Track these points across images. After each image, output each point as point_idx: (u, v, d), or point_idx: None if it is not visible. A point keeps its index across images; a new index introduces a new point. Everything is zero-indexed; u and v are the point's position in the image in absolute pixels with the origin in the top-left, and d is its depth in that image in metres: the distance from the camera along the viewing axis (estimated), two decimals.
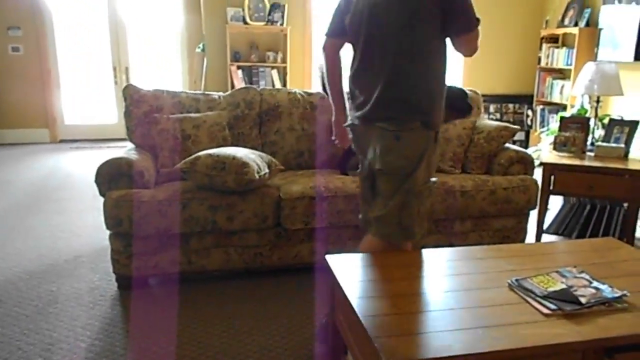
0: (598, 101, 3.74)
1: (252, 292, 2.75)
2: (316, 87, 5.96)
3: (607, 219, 3.29)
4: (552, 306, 1.57)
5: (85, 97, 7.05)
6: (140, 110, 3.16)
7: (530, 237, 3.40)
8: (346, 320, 1.75)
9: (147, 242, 2.67)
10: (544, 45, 6.02)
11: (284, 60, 5.74)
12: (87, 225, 3.75)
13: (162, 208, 2.62)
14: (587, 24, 5.47)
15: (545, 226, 3.46)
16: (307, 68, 5.95)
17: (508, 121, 6.34)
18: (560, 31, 5.80)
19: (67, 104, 6.96)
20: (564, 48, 5.70)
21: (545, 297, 1.62)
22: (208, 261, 2.78)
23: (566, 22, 5.73)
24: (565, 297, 1.62)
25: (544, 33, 6.05)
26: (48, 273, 2.95)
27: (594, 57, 5.41)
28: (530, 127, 6.30)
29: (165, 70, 7.14)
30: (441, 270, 1.85)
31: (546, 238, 3.58)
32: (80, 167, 5.52)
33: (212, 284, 2.82)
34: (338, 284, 1.77)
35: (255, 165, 2.70)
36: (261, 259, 2.84)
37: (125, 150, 3.02)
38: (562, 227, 3.40)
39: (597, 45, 5.38)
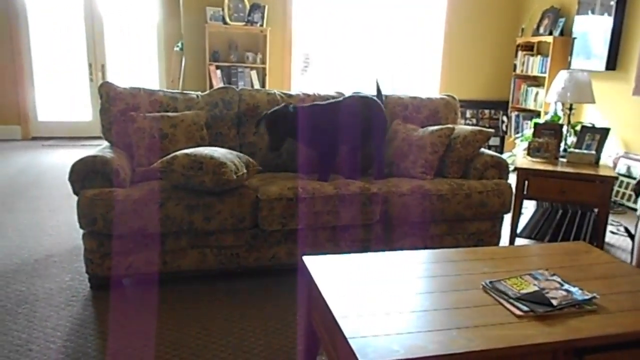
0: (571, 108, 3.83)
1: (228, 293, 2.73)
2: (296, 89, 5.97)
3: (579, 223, 3.36)
4: (525, 308, 1.60)
5: (59, 94, 6.91)
6: (117, 108, 3.11)
7: (504, 241, 3.46)
8: (322, 320, 1.75)
9: (121, 241, 2.63)
10: (520, 53, 6.14)
11: (263, 61, 5.73)
12: (60, 224, 3.68)
13: (138, 207, 2.58)
14: (562, 33, 5.60)
15: (518, 230, 3.53)
16: (287, 69, 5.95)
17: (484, 126, 6.44)
18: (536, 39, 5.93)
19: (41, 100, 6.81)
20: (539, 56, 5.82)
21: (518, 299, 1.65)
22: (184, 262, 2.75)
23: (541, 30, 5.86)
24: (538, 299, 1.65)
25: (519, 41, 6.17)
26: (17, 273, 2.88)
27: (567, 66, 5.54)
28: (506, 132, 6.41)
29: (142, 68, 7.05)
30: (417, 272, 1.87)
31: (520, 242, 3.65)
32: (53, 165, 5.41)
33: (187, 285, 2.79)
34: (315, 284, 1.77)
35: (232, 165, 2.68)
36: (238, 260, 2.82)
37: (100, 148, 2.97)
38: (535, 231, 3.46)
39: (571, 53, 5.51)
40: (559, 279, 1.80)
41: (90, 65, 6.88)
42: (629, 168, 4.81)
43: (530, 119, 5.91)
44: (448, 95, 3.80)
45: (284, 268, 2.94)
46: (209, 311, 2.53)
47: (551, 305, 1.62)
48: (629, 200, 4.71)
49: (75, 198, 2.62)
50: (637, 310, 1.64)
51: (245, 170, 2.79)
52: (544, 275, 1.83)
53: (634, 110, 4.85)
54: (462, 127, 3.42)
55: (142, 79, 6.95)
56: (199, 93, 3.40)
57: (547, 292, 1.70)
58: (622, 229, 4.01)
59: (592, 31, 5.21)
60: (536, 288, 1.73)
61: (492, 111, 6.53)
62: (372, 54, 6.37)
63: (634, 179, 4.70)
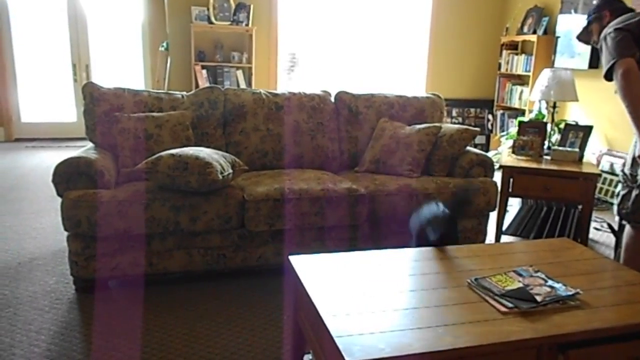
0: (554, 107, 3.87)
1: (215, 294, 2.72)
2: (282, 88, 5.97)
3: (563, 220, 3.40)
4: (509, 304, 1.62)
5: (43, 94, 6.83)
6: (101, 108, 3.09)
7: (490, 238, 3.49)
8: (309, 319, 1.75)
9: (107, 243, 2.61)
10: (504, 52, 6.19)
11: (249, 61, 5.71)
12: (44, 226, 3.63)
13: (123, 209, 2.56)
14: (545, 32, 5.65)
15: (504, 227, 3.55)
16: (273, 69, 5.93)
17: (470, 125, 6.48)
18: (520, 38, 5.98)
19: (24, 101, 6.73)
20: (523, 55, 5.87)
21: (502, 296, 1.67)
22: (170, 263, 2.74)
23: (525, 29, 5.91)
24: (522, 295, 1.67)
25: (504, 40, 6.22)
26: (1, 276, 2.84)
27: (551, 64, 5.60)
28: (491, 131, 6.46)
29: (127, 68, 6.99)
30: (403, 270, 1.88)
31: (505, 239, 3.68)
32: (37, 166, 5.34)
33: (174, 286, 2.78)
34: (301, 284, 1.77)
35: (218, 165, 2.67)
36: (224, 260, 2.81)
37: (84, 149, 2.94)
38: (520, 228, 3.49)
39: (555, 52, 5.57)
40: (543, 275, 1.82)
41: (74, 66, 6.81)
42: (612, 165, 4.88)
43: (515, 118, 5.96)
44: (434, 94, 3.83)
45: (271, 268, 2.93)
46: (196, 312, 2.52)
47: (535, 301, 1.63)
48: (612, 197, 4.77)
49: (60, 200, 2.59)
50: (619, 305, 1.66)
51: (231, 170, 2.78)
52: (528, 272, 1.85)
53: (616, 109, 4.91)
54: (449, 126, 3.44)
55: (127, 79, 6.89)
56: (184, 93, 3.38)
57: (532, 289, 1.71)
58: (605, 225, 4.06)
59: (576, 30, 5.26)
60: (520, 284, 1.74)
61: (478, 110, 6.58)
62: (358, 53, 6.38)
63: (617, 175, 4.76)
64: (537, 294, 1.68)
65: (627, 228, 2.54)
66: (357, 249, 3.01)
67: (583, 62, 5.14)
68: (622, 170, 2.52)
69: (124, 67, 6.99)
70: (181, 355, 2.17)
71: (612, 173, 4.82)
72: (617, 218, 2.63)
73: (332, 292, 1.68)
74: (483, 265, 1.95)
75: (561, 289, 1.72)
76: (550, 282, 1.77)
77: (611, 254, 3.49)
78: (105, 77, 6.87)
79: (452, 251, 2.08)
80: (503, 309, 1.60)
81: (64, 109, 6.88)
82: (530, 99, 4.14)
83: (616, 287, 1.80)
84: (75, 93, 6.80)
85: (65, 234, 2.62)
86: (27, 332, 2.29)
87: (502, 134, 5.50)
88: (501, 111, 6.24)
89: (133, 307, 2.55)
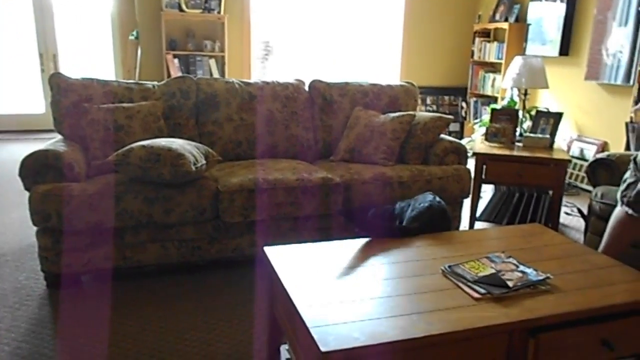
0: (526, 94, 3.92)
1: (190, 286, 2.70)
2: (256, 77, 5.92)
3: (535, 206, 3.46)
4: (482, 290, 1.64)
5: (9, 85, 6.62)
6: (69, 100, 3.01)
7: (464, 224, 3.54)
8: (284, 310, 1.75)
9: (78, 237, 2.56)
10: (477, 40, 6.24)
11: (222, 50, 5.63)
12: (12, 221, 3.54)
13: (94, 202, 2.51)
14: (517, 20, 5.71)
15: (477, 213, 3.60)
16: (246, 57, 5.87)
17: (444, 112, 6.54)
18: (492, 26, 6.03)
19: None
20: (495, 42, 5.93)
21: (475, 282, 1.69)
22: (144, 256, 2.70)
23: (497, 17, 5.96)
24: (494, 281, 1.69)
25: (476, 27, 6.27)
26: None
27: (522, 52, 5.67)
28: (465, 118, 6.52)
29: (96, 58, 6.82)
30: (378, 259, 1.89)
31: (479, 225, 3.73)
32: (4, 160, 5.20)
33: (148, 280, 2.74)
34: (276, 274, 1.77)
35: (191, 156, 2.64)
36: (199, 252, 2.79)
37: (52, 141, 2.86)
38: (493, 214, 3.55)
39: (526, 39, 5.63)
40: (514, 261, 1.85)
41: (41, 56, 6.61)
42: (582, 151, 4.98)
43: (488, 105, 6.03)
44: (408, 83, 3.83)
45: (246, 259, 2.92)
46: (171, 305, 2.49)
47: (507, 286, 1.66)
48: (582, 182, 4.88)
49: (28, 194, 2.53)
50: (588, 289, 1.70)
51: (204, 161, 2.75)
52: (500, 258, 1.87)
53: (586, 95, 5.01)
54: (422, 114, 3.46)
55: (96, 69, 6.73)
56: (155, 83, 3.32)
57: (503, 274, 1.74)
58: (575, 209, 4.16)
59: (546, 17, 5.34)
60: (493, 270, 1.77)
61: (452, 97, 6.62)
62: (332, 41, 6.35)
63: (587, 161, 4.87)
64: (509, 279, 1.71)
65: (618, 209, 2.53)
66: (332, 239, 3.02)
67: (554, 49, 5.21)
68: (635, 159, 2.50)
69: (93, 57, 6.82)
70: (156, 348, 2.15)
71: (582, 158, 4.92)
72: (592, 203, 2.64)
73: (307, 283, 1.68)
74: (456, 252, 1.97)
75: (532, 274, 1.75)
76: (521, 268, 1.80)
77: (581, 237, 3.57)
78: (74, 67, 6.69)
79: (425, 239, 2.10)
80: (476, 295, 1.62)
81: (32, 101, 6.69)
82: (502, 86, 4.19)
83: (585, 271, 1.84)
84: (43, 84, 6.61)
85: (35, 228, 2.56)
86: None
87: (475, 121, 5.56)
88: (474, 99, 6.30)
89: (106, 302, 2.51)
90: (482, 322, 1.46)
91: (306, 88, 3.62)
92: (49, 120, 3.63)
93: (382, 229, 2.13)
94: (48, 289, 2.62)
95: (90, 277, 2.74)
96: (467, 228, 3.54)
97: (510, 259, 1.87)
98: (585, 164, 4.83)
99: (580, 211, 3.40)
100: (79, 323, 2.31)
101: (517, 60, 3.81)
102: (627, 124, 4.27)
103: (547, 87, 3.80)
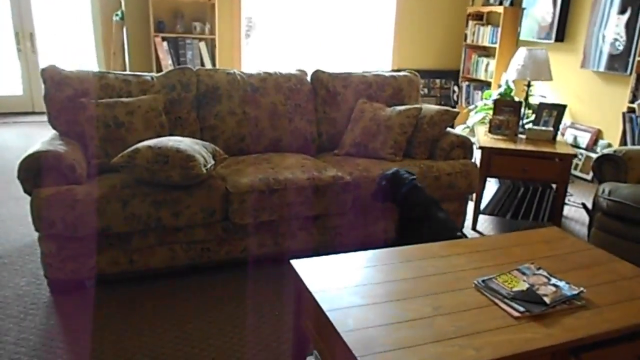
0: (529, 85, 3.90)
1: (200, 289, 2.63)
2: (247, 66, 5.75)
3: (539, 199, 3.47)
4: (521, 308, 1.62)
5: None
6: (63, 94, 2.86)
7: (469, 218, 3.53)
8: (315, 323, 1.71)
9: (83, 243, 2.46)
10: (470, 23, 6.17)
11: (212, 32, 5.44)
12: (3, 219, 3.39)
13: (100, 206, 2.40)
14: (512, 3, 5.65)
15: (481, 207, 3.60)
16: (236, 40, 5.69)
17: (435, 96, 6.50)
18: (486, 9, 5.96)
19: None
20: (489, 26, 5.87)
21: (512, 299, 1.67)
22: (151, 260, 2.61)
23: (491, 0, 5.89)
24: (531, 297, 1.68)
25: (470, 10, 6.19)
26: None
27: (517, 37, 5.63)
28: (457, 102, 6.49)
29: (77, 38, 6.53)
30: (409, 271, 1.85)
31: (483, 218, 3.74)
32: None
33: (157, 283, 2.67)
34: (307, 290, 1.72)
35: (201, 158, 2.54)
36: (208, 254, 2.72)
37: (49, 139, 2.72)
38: (497, 208, 3.55)
39: (520, 24, 5.59)
40: (545, 273, 1.84)
41: (17, 35, 6.29)
42: (575, 138, 5.02)
43: (481, 90, 6.01)
44: (411, 72, 3.77)
45: (255, 259, 2.87)
46: (184, 311, 2.43)
47: (544, 303, 1.65)
48: (575, 169, 4.93)
49: (18, 186, 2.39)
50: (621, 303, 1.70)
51: (213, 162, 2.66)
52: (530, 270, 1.86)
53: (581, 82, 5.01)
54: (428, 107, 3.40)
55: (77, 50, 6.45)
56: (153, 74, 3.18)
57: (538, 289, 1.73)
58: (571, 199, 4.20)
59: (542, 2, 5.29)
60: (526, 285, 1.75)
61: (443, 81, 6.57)
62: (323, 22, 6.19)
63: (581, 148, 4.91)
64: (544, 295, 1.69)
65: None
66: (343, 237, 2.99)
67: (549, 35, 5.18)
68: None
69: (72, 37, 6.52)
70: (175, 359, 2.09)
71: (576, 146, 4.96)
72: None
73: (342, 302, 1.63)
74: (484, 263, 1.95)
75: (565, 288, 1.74)
76: (553, 280, 1.79)
77: (582, 229, 3.61)
78: (53, 48, 6.40)
79: (448, 248, 2.07)
80: (515, 313, 1.61)
81: (9, 82, 6.39)
82: (506, 77, 4.15)
83: (614, 283, 1.84)
84: (21, 64, 6.32)
85: (31, 227, 2.45)
86: (5, 345, 2.14)
87: (470, 107, 5.53)
88: (467, 83, 6.27)
89: (115, 308, 2.43)
90: (528, 346, 1.45)
91: (308, 79, 3.52)
92: (28, 102, 3.45)
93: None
94: (52, 296, 2.52)
95: (96, 281, 2.65)
96: (471, 222, 3.54)
97: (541, 271, 1.85)
98: (580, 151, 4.88)
99: (585, 206, 3.43)
100: (90, 333, 2.23)
101: (521, 52, 3.77)
102: (624, 114, 4.30)
103: (551, 79, 3.78)
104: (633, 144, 4.22)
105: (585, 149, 4.87)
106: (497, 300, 1.68)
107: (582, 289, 1.74)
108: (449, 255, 2.01)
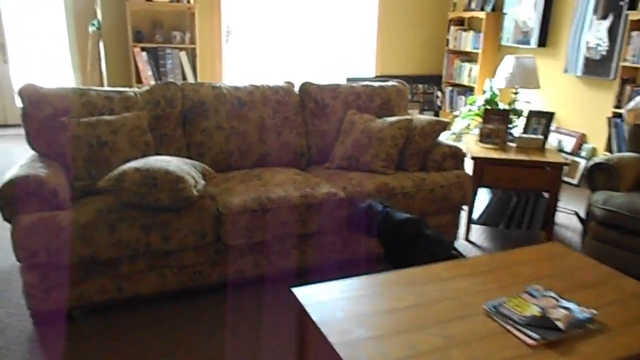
0: (516, 93, 3.89)
1: (193, 314, 2.53)
2: (229, 76, 5.65)
3: (531, 208, 3.46)
4: (536, 335, 1.57)
5: None
6: (43, 113, 2.73)
7: (462, 229, 3.50)
8: (319, 353, 1.63)
9: (68, 271, 2.33)
10: (452, 28, 6.17)
11: (192, 41, 5.32)
12: None
13: (87, 233, 2.29)
14: (493, 9, 5.66)
15: (474, 217, 3.57)
16: (217, 50, 5.58)
17: (418, 102, 6.48)
18: (467, 14, 5.97)
19: None
20: (471, 31, 5.88)
21: (525, 325, 1.62)
22: (141, 286, 2.50)
23: (473, 5, 5.90)
24: (544, 323, 1.63)
25: (451, 15, 6.19)
26: None
27: (499, 42, 5.64)
28: (440, 107, 6.49)
29: (50, 49, 6.33)
30: (414, 297, 1.79)
31: (475, 228, 3.71)
32: None
33: (147, 310, 2.55)
34: (312, 322, 1.64)
35: (191, 179, 2.44)
36: (200, 277, 2.62)
37: (28, 162, 2.59)
38: (490, 217, 3.52)
39: (502, 30, 5.60)
40: (554, 295, 1.79)
41: None
42: (559, 142, 5.04)
43: (465, 95, 6.01)
44: (399, 82, 3.72)
45: (248, 281, 2.77)
46: (176, 337, 2.33)
47: (559, 329, 1.60)
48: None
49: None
50: (635, 325, 1.66)
51: (203, 182, 2.56)
52: (539, 291, 1.81)
53: (564, 87, 5.04)
54: (419, 118, 3.36)
55: (52, 61, 6.25)
56: (136, 90, 3.06)
57: (549, 313, 1.68)
58: (561, 204, 4.21)
59: (523, 7, 5.31)
60: (537, 308, 1.70)
61: (426, 86, 6.56)
62: (304, 29, 6.13)
63: (566, 152, 4.94)
64: (557, 319, 1.65)
65: None
66: (337, 255, 2.91)
67: (532, 40, 5.20)
68: None
69: (46, 47, 6.33)
70: None
71: (561, 150, 4.98)
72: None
73: (349, 334, 1.56)
74: (489, 285, 1.90)
75: (577, 310, 1.70)
76: (563, 302, 1.75)
77: (573, 236, 3.61)
78: (25, 57, 6.20)
79: (450, 269, 2.02)
80: (530, 341, 1.55)
81: None
82: (494, 86, 4.13)
83: (623, 302, 1.81)
84: None
85: (9, 250, 2.32)
86: None
87: (455, 113, 5.52)
88: (450, 88, 6.26)
89: (104, 339, 2.31)
90: None
91: (296, 91, 3.45)
92: (1, 115, 3.29)
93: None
94: (36, 328, 2.39)
95: (82, 311, 2.53)
96: (464, 232, 3.51)
97: (549, 292, 1.81)
98: (565, 156, 4.90)
99: (578, 215, 3.42)
100: None
101: (509, 60, 3.76)
102: (609, 119, 4.33)
103: (538, 87, 3.77)
104: (619, 148, 4.25)
105: (571, 154, 4.90)
106: (509, 327, 1.62)
107: (593, 311, 1.70)
108: (453, 278, 1.95)
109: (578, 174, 4.82)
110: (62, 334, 2.35)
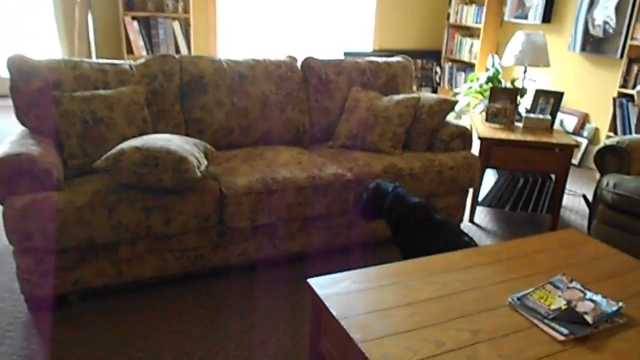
0: (525, 71, 3.78)
1: (195, 299, 2.44)
2: (223, 49, 5.45)
3: (538, 190, 3.39)
4: (564, 330, 1.51)
5: None
6: (33, 86, 2.57)
7: (467, 210, 3.43)
8: (337, 346, 1.56)
9: (65, 255, 2.22)
10: (453, 2, 6.00)
11: (185, 10, 5.10)
12: None
13: (84, 216, 2.17)
14: None
15: (479, 198, 3.50)
16: (212, 20, 5.37)
17: (416, 77, 6.35)
18: None
19: None
20: (474, 5, 5.72)
21: (553, 319, 1.55)
22: (141, 270, 2.40)
23: None
24: (572, 317, 1.56)
25: None
26: None
27: (502, 17, 5.50)
28: (439, 84, 6.36)
29: (35, 19, 6.04)
30: (435, 288, 1.71)
31: (480, 210, 3.64)
32: None
33: (148, 294, 2.46)
34: (332, 317, 1.56)
35: (194, 159, 2.32)
36: (202, 261, 2.52)
37: (19, 138, 2.44)
38: (496, 199, 3.45)
39: (505, 4, 5.46)
40: (579, 286, 1.73)
41: None
42: (562, 122, 4.97)
43: (465, 71, 5.88)
44: (404, 58, 3.59)
45: (252, 263, 2.69)
46: (178, 324, 2.24)
47: (587, 323, 1.54)
48: None
49: None
50: None
51: (206, 162, 2.44)
52: (563, 283, 1.75)
53: (569, 65, 4.94)
54: (426, 96, 3.24)
55: (35, 31, 5.98)
56: (131, 62, 2.90)
57: (576, 306, 1.62)
58: (572, 190, 4.16)
59: None
60: (563, 301, 1.64)
61: (424, 61, 6.41)
62: (300, 2, 5.92)
63: (568, 132, 4.87)
64: (585, 313, 1.58)
65: None
66: (344, 237, 2.83)
67: (536, 16, 5.07)
68: None
69: (30, 17, 6.03)
70: None
71: (563, 130, 4.91)
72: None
73: (372, 331, 1.48)
74: (510, 274, 1.83)
75: (603, 303, 1.64)
76: (589, 295, 1.68)
77: (577, 218, 3.57)
78: (7, 28, 5.92)
79: (468, 257, 1.94)
80: (559, 337, 1.49)
81: None
82: (502, 64, 4.01)
83: None
84: None
85: (0, 232, 2.20)
86: None
87: (456, 90, 5.40)
88: (449, 64, 6.13)
89: (104, 326, 2.22)
90: None
91: (299, 66, 3.31)
92: None
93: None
94: (31, 313, 2.29)
95: (81, 296, 2.42)
96: (468, 214, 3.44)
97: (574, 284, 1.74)
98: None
99: (585, 198, 3.37)
100: (76, 354, 2.02)
101: (519, 36, 3.64)
102: (614, 99, 4.25)
103: (548, 65, 3.66)
104: (623, 130, 4.18)
105: (572, 133, 4.83)
106: (537, 322, 1.56)
107: (620, 303, 1.64)
108: (472, 267, 1.88)
109: (579, 154, 4.77)
110: (60, 320, 2.24)
